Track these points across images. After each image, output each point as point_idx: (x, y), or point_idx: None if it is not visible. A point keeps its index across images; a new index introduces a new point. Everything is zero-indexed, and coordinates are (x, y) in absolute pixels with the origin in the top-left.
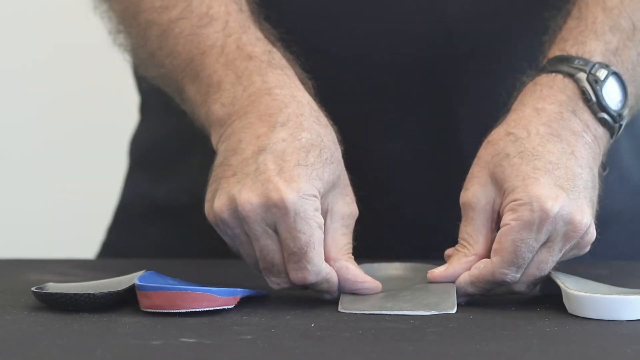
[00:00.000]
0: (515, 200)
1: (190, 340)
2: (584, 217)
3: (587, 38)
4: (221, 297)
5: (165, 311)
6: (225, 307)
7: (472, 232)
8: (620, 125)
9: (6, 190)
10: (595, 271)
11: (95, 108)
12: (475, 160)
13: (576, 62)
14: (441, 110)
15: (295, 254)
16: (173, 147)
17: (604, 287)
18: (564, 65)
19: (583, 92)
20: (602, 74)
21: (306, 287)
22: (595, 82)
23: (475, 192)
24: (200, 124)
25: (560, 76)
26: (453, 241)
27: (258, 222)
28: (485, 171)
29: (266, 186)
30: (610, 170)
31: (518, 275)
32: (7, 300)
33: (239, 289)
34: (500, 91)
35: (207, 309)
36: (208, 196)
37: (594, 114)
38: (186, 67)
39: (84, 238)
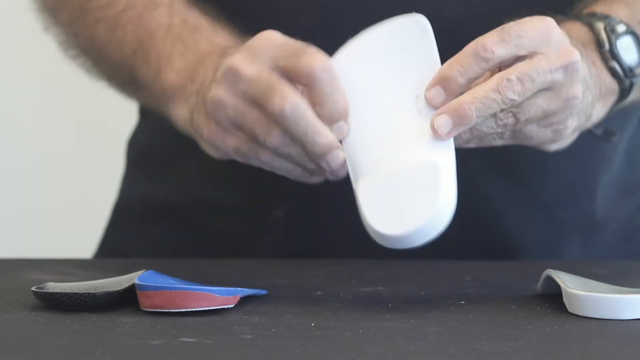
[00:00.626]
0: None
1: (190, 340)
2: (577, 55)
3: (615, 3)
4: (221, 297)
5: (165, 310)
6: (225, 306)
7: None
8: (631, 84)
9: (5, 190)
10: (595, 271)
11: (94, 108)
12: None
13: (598, 14)
14: None
15: (256, 88)
16: (171, 148)
17: (604, 287)
18: (586, 17)
19: (599, 42)
20: (620, 27)
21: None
22: (611, 32)
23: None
24: (155, 104)
25: (579, 23)
26: (451, 239)
27: (228, 101)
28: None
29: (219, 76)
30: (603, 172)
31: (518, 97)
32: (7, 300)
33: (239, 289)
34: None
35: (207, 308)
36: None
37: (605, 62)
38: (135, 52)
39: (82, 238)
